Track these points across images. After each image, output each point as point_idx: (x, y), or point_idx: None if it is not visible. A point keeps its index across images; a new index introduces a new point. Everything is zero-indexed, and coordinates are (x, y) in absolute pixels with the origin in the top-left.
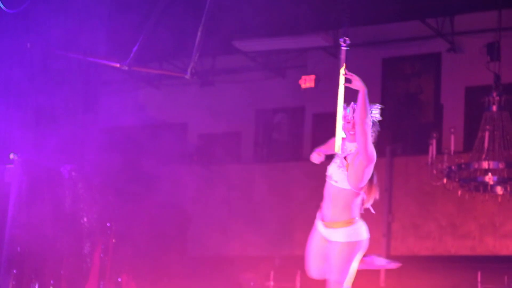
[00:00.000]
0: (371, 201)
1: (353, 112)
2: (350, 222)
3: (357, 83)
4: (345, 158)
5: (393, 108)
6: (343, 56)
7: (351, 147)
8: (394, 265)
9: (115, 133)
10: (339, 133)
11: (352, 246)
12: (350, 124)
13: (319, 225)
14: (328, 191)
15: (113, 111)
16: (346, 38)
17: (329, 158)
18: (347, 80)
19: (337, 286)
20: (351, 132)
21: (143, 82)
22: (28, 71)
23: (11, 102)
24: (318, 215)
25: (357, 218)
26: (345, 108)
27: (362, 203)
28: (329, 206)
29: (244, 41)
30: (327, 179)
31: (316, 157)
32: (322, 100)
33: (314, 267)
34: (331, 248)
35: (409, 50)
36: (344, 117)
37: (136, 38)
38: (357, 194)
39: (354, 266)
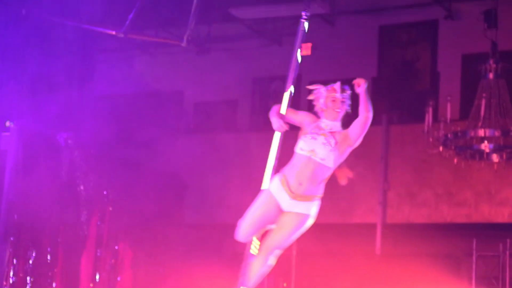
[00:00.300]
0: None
1: (343, 91)
2: (317, 197)
3: (363, 87)
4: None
5: (390, 76)
6: (301, 28)
7: (332, 125)
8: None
9: (111, 101)
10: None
11: (306, 219)
12: (337, 102)
13: (281, 193)
14: (308, 166)
15: (109, 79)
16: (306, 10)
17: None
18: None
19: (273, 252)
20: (337, 110)
21: (138, 50)
22: (24, 39)
23: (7, 70)
24: (281, 182)
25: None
26: (337, 85)
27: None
28: (306, 180)
29: (241, 9)
30: (309, 154)
31: (281, 127)
32: (319, 68)
33: (251, 231)
34: (289, 218)
35: (406, 18)
36: (334, 92)
37: (132, 6)
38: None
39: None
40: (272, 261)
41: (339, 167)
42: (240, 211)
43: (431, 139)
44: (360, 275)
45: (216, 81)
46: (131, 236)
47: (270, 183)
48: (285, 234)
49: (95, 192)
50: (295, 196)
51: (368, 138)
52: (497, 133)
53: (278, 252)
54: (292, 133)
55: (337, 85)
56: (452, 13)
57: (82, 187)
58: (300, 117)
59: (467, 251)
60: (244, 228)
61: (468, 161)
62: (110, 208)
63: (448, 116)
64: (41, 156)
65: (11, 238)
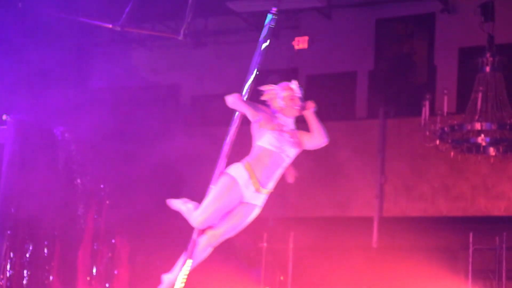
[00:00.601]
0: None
1: (299, 90)
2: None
3: (312, 110)
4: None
5: (386, 70)
6: (269, 23)
7: (290, 122)
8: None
9: (108, 94)
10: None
11: (259, 211)
12: (296, 101)
13: (248, 185)
14: (277, 163)
15: (105, 73)
16: (276, 6)
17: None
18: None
19: (218, 241)
20: (296, 108)
21: (135, 44)
22: (20, 32)
23: (4, 63)
24: (249, 175)
25: None
26: (294, 84)
27: None
28: (272, 175)
29: (238, 2)
30: (279, 151)
31: (256, 115)
32: (315, 62)
33: (212, 219)
34: (248, 209)
35: (403, 11)
36: (292, 91)
37: None
38: None
39: None
40: (210, 251)
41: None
42: None
43: (427, 133)
44: (357, 268)
45: (213, 74)
46: (128, 229)
47: (236, 173)
48: (239, 223)
49: (92, 185)
50: (261, 189)
51: (365, 131)
52: (493, 127)
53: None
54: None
55: (295, 84)
56: (448, 7)
57: (79, 181)
58: (262, 111)
59: (464, 245)
60: (206, 216)
61: (464, 154)
62: (107, 202)
63: (445, 109)
64: (38, 150)
65: (8, 232)
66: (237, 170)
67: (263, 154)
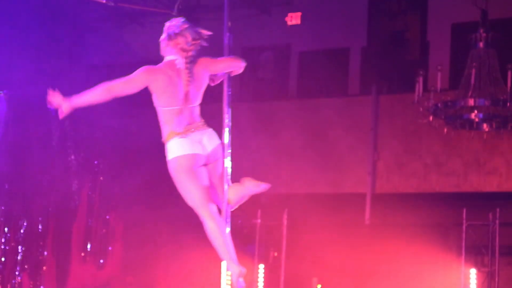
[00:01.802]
0: None
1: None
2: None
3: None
4: None
5: (379, 46)
6: None
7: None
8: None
9: (101, 71)
10: None
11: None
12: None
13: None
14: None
15: (98, 49)
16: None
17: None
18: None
19: (197, 211)
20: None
21: (128, 19)
22: (12, 9)
23: None
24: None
25: None
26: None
27: None
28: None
29: None
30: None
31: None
32: (308, 38)
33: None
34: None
35: None
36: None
37: None
38: None
39: None
40: (205, 223)
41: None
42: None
43: (421, 109)
44: (350, 244)
45: (205, 50)
46: (122, 206)
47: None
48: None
49: (86, 161)
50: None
51: (357, 108)
52: (487, 103)
53: (198, 211)
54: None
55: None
56: None
57: (73, 157)
58: None
59: (457, 221)
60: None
61: (458, 130)
62: (101, 178)
63: (438, 85)
64: (32, 126)
65: (2, 207)
66: (175, 149)
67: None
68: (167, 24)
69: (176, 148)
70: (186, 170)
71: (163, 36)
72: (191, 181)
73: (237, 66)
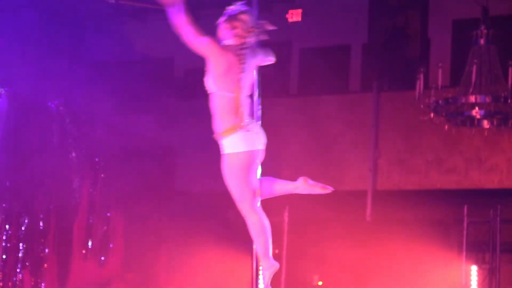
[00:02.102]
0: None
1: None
2: (223, 134)
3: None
4: None
5: (380, 43)
6: None
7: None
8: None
9: (102, 68)
10: None
11: (225, 159)
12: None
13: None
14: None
15: (99, 46)
16: None
17: None
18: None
19: (242, 208)
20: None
21: (129, 16)
22: (14, 6)
23: None
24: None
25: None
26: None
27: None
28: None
29: None
30: None
31: None
32: (309, 35)
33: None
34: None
35: None
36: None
37: None
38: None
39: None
40: (250, 218)
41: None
42: None
43: (422, 106)
44: (351, 241)
45: None
46: (124, 203)
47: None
48: (227, 181)
49: (87, 159)
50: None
51: (358, 105)
52: (488, 99)
53: (245, 207)
54: None
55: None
56: None
57: (74, 154)
58: None
59: (458, 218)
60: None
61: (458, 127)
62: (102, 175)
63: (439, 82)
64: (33, 123)
65: (3, 205)
66: (239, 144)
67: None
68: (229, 7)
69: (240, 143)
70: (248, 166)
71: (222, 18)
72: (248, 178)
73: (271, 60)
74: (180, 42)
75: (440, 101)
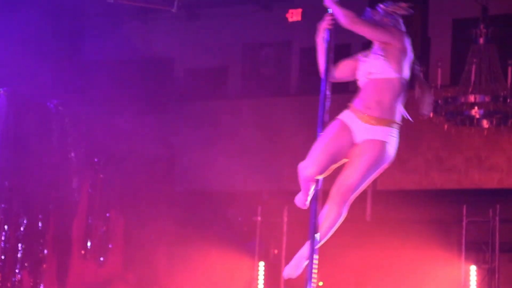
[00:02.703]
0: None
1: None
2: (393, 123)
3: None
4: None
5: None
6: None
7: (373, 47)
8: None
9: (101, 68)
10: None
11: (383, 147)
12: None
13: (352, 119)
14: (369, 87)
15: (98, 46)
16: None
17: None
18: None
19: (348, 196)
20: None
21: (128, 16)
22: (12, 4)
23: None
24: (350, 109)
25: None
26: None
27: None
28: (373, 102)
29: None
30: (368, 77)
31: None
32: (309, 34)
33: (317, 166)
34: (363, 147)
35: None
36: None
37: None
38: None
39: None
40: (346, 210)
41: (419, 87)
42: (231, 178)
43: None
44: (351, 241)
45: (207, 47)
46: (123, 203)
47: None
48: (361, 167)
49: (86, 159)
50: (367, 119)
51: None
52: (487, 99)
53: (350, 198)
54: None
55: None
56: None
57: (73, 154)
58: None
59: (457, 217)
60: (310, 162)
61: (458, 127)
62: (101, 176)
63: (439, 81)
64: (32, 123)
65: (2, 205)
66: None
67: (359, 92)
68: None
69: (396, 140)
70: (382, 165)
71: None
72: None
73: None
74: (179, 41)
75: (439, 101)
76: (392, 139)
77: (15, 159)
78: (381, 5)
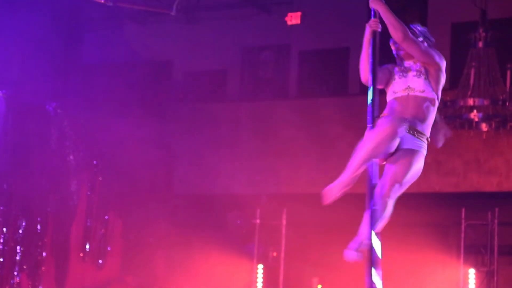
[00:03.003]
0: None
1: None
2: (425, 137)
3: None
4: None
5: (379, 45)
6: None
7: (411, 64)
8: None
9: (100, 70)
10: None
11: (419, 156)
12: (396, 46)
13: (401, 124)
14: (409, 102)
15: (98, 49)
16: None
17: None
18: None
19: (395, 192)
20: (401, 52)
21: (127, 19)
22: (11, 7)
23: None
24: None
25: None
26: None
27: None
28: (412, 116)
29: None
30: (406, 92)
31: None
32: (308, 38)
33: (366, 158)
34: (404, 153)
35: None
36: (391, 43)
37: None
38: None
39: None
40: (392, 202)
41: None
42: (230, 181)
43: None
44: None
45: (206, 50)
46: (121, 206)
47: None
48: (405, 170)
49: (85, 161)
50: (412, 130)
51: (357, 107)
52: (486, 102)
53: (398, 195)
54: None
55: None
56: None
57: (71, 157)
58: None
59: (456, 220)
60: (362, 153)
61: (457, 130)
62: (100, 178)
63: None
64: (31, 126)
65: (1, 208)
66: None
67: (394, 104)
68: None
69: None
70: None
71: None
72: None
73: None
74: (178, 44)
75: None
76: (424, 151)
77: (14, 162)
78: (418, 27)
